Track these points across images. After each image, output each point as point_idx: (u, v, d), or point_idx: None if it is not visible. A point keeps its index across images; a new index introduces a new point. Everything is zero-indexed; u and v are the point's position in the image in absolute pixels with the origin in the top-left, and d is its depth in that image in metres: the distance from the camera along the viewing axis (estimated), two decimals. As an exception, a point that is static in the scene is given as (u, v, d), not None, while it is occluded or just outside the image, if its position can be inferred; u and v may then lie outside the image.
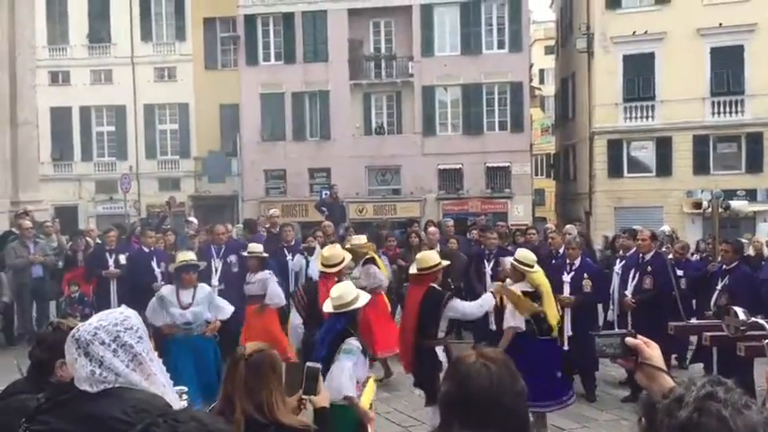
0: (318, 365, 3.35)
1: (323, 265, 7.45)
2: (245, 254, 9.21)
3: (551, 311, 6.88)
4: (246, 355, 3.01)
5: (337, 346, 4.75)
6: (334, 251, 7.61)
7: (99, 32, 33.63)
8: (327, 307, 5.05)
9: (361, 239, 10.16)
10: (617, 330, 2.05)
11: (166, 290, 7.35)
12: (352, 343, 4.79)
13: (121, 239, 11.89)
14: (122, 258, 10.72)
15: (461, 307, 6.53)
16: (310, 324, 7.14)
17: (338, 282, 6.31)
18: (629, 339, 1.96)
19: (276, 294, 8.62)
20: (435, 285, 6.50)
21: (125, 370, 2.19)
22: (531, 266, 6.89)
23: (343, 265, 7.44)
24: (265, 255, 9.10)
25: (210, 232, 11.11)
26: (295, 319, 8.13)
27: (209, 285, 9.86)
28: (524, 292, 6.85)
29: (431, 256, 6.71)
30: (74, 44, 33.64)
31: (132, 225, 15.45)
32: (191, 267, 7.33)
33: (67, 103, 32.90)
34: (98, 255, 11.13)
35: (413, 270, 6.69)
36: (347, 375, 4.61)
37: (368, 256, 9.48)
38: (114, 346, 2.19)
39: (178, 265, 7.34)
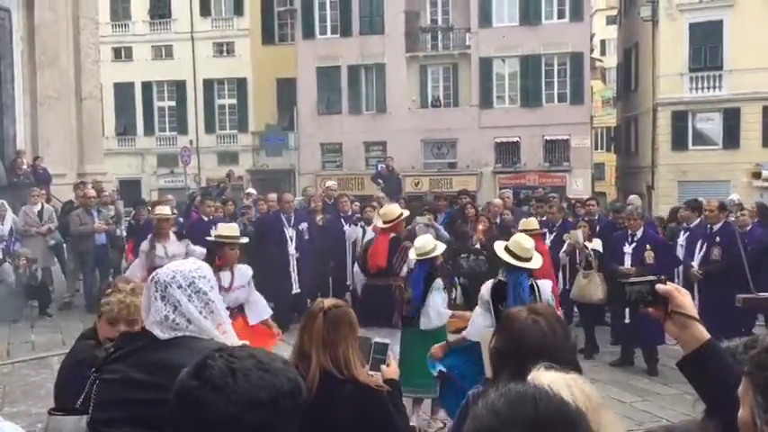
0: (387, 341, 3.23)
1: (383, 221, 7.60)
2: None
3: None
4: (325, 309, 2.93)
5: (429, 285, 6.16)
6: (391, 208, 7.80)
7: (160, 8, 34.18)
8: (412, 255, 6.32)
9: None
10: (647, 277, 1.90)
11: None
12: (439, 282, 6.33)
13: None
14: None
15: None
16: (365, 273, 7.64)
17: (393, 237, 7.13)
18: (659, 286, 1.82)
19: None
20: None
21: (198, 316, 2.23)
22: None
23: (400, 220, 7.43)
24: None
25: (273, 201, 11.23)
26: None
27: (287, 254, 10.05)
28: None
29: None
30: (135, 20, 34.30)
31: (192, 194, 15.75)
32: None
33: (130, 78, 33.64)
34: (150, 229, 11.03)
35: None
36: (441, 303, 6.26)
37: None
38: (189, 291, 2.24)
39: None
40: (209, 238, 6.75)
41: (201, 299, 2.26)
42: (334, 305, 2.98)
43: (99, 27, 19.22)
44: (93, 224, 11.55)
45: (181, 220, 11.76)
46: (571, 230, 9.47)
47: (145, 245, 8.17)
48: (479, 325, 4.97)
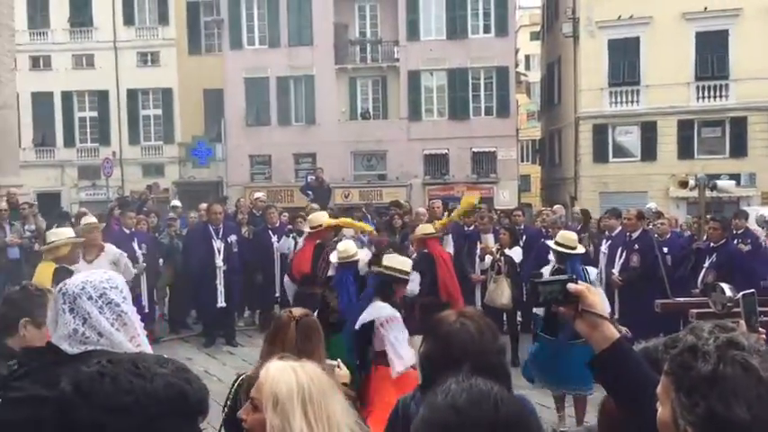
0: (334, 363, 3.27)
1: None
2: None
3: None
4: (296, 318, 2.93)
5: (360, 291, 6.03)
6: (318, 215, 8.51)
7: (80, 16, 33.17)
8: (334, 258, 6.40)
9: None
10: (559, 277, 1.94)
11: None
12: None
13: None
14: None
15: None
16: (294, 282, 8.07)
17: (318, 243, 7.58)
18: (570, 285, 1.84)
19: None
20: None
21: (109, 329, 2.13)
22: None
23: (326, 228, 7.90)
24: None
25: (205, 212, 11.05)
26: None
27: (214, 266, 9.83)
28: None
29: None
30: (55, 28, 33.16)
31: (110, 207, 15.19)
32: None
33: (49, 88, 32.46)
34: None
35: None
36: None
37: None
38: (101, 302, 2.14)
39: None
40: (377, 269, 5.53)
41: (113, 310, 2.15)
42: (304, 314, 2.99)
43: (15, 35, 18.46)
44: (4, 238, 11.05)
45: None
46: (482, 236, 9.74)
47: None
48: None
